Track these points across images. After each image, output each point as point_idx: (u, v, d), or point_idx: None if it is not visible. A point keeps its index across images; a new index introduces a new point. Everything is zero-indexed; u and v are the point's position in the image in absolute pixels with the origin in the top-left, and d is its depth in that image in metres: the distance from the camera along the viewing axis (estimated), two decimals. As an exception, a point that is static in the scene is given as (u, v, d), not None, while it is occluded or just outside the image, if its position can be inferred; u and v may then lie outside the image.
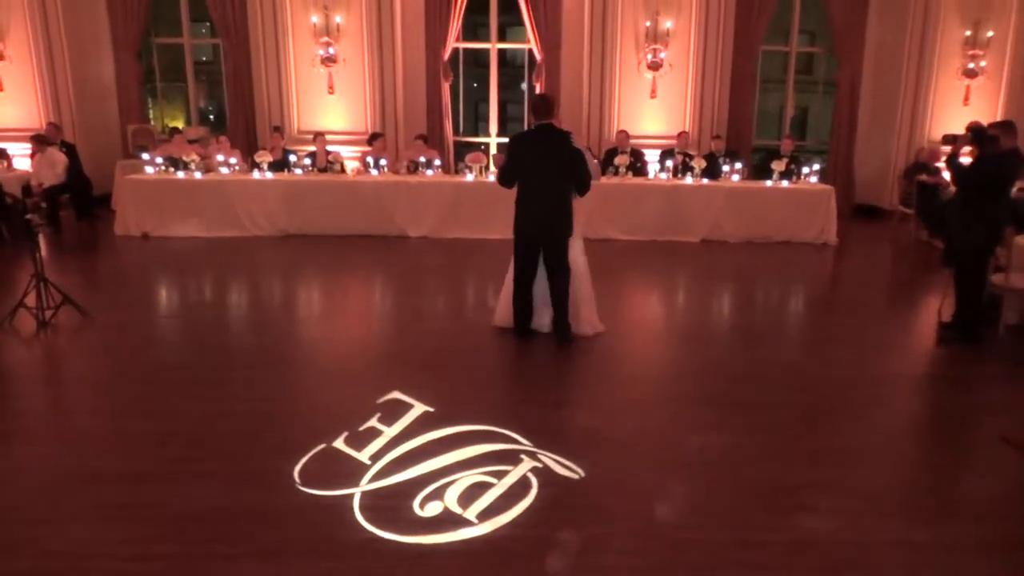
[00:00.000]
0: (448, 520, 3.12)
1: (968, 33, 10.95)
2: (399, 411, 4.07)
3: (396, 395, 3.69)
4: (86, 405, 4.48)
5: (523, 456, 3.00)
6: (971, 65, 11.02)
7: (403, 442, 3.77)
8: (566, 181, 5.29)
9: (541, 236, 5.35)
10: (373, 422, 3.91)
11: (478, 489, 3.27)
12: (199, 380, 4.76)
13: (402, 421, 3.84)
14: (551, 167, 5.24)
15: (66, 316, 5.77)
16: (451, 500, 3.18)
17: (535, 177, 5.28)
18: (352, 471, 3.52)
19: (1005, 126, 5.48)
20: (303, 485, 3.39)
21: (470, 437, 3.69)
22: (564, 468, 3.11)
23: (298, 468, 3.54)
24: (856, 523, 3.26)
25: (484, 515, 3.10)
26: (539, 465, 3.11)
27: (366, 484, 3.43)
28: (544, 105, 5.36)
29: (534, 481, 3.21)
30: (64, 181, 9.48)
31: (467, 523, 3.04)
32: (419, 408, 3.50)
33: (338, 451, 3.71)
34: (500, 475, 3.05)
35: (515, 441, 2.84)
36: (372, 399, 4.23)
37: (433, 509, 3.19)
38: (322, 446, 3.75)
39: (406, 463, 3.59)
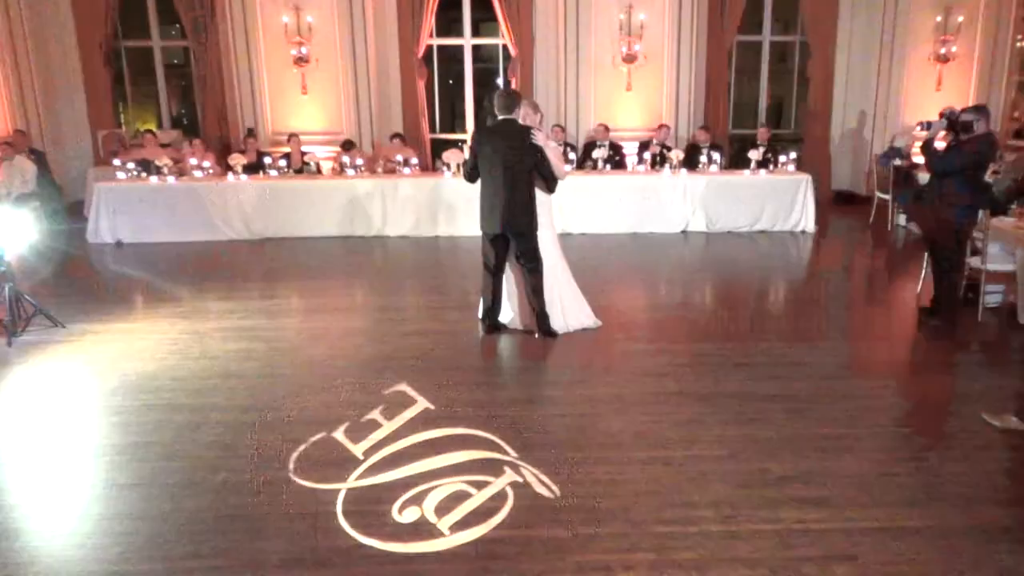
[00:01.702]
0: (422, 529, 3.08)
1: (939, 19, 11.03)
2: (403, 405, 4.02)
3: (404, 387, 3.65)
4: (58, 417, 4.38)
5: (506, 468, 2.97)
6: (942, 50, 11.11)
7: (398, 440, 3.72)
8: (527, 175, 5.29)
9: (504, 230, 5.38)
10: (376, 414, 3.85)
11: (456, 499, 3.24)
12: (175, 389, 4.68)
13: (403, 416, 3.78)
14: (512, 161, 5.25)
15: (37, 326, 5.64)
16: (429, 508, 3.14)
17: (496, 171, 5.31)
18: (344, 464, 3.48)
19: (979, 110, 5.50)
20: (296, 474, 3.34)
21: (459, 441, 3.65)
22: (543, 486, 3.08)
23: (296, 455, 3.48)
24: (844, 511, 3.26)
25: (456, 527, 3.05)
26: (519, 480, 3.09)
27: (353, 481, 3.39)
28: (506, 100, 5.37)
29: (510, 496, 3.18)
30: (34, 189, 9.29)
31: (439, 534, 3.00)
32: (422, 404, 3.47)
33: (336, 442, 3.66)
34: (480, 485, 3.02)
35: (501, 449, 2.81)
36: (366, 400, 4.17)
37: (411, 515, 3.15)
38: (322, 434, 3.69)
39: (395, 463, 3.54)
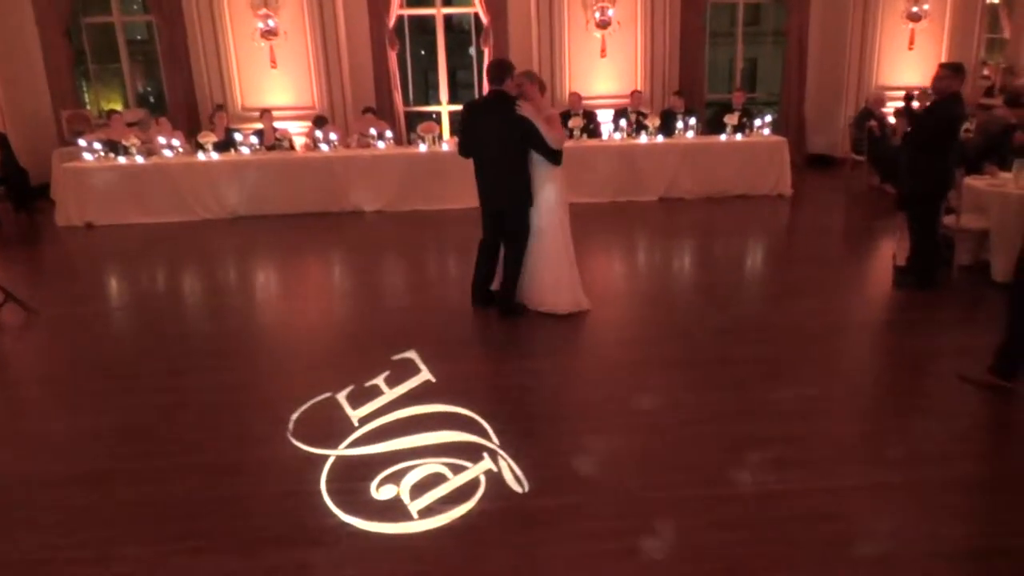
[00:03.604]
0: (394, 510, 3.04)
1: (910, -23, 11.02)
2: (408, 373, 3.95)
3: (411, 355, 3.62)
4: (35, 405, 4.33)
5: (484, 454, 2.97)
6: (914, 8, 11.11)
7: (393, 411, 3.67)
8: (519, 149, 5.09)
9: (497, 204, 5.25)
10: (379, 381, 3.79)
11: (431, 481, 3.18)
12: (155, 371, 4.62)
13: (406, 384, 3.72)
14: (502, 135, 5.07)
15: (9, 313, 5.54)
16: (405, 487, 3.12)
17: (486, 145, 5.16)
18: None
19: (956, 68, 5.51)
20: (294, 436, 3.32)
21: (447, 420, 3.62)
22: (514, 479, 3.08)
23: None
24: (825, 471, 3.31)
25: (424, 513, 3.03)
26: (494, 469, 3.09)
27: (343, 449, 3.38)
28: (496, 70, 5.17)
29: (482, 485, 3.13)
30: (-2, 173, 9.07)
31: (408, 517, 2.99)
32: (425, 375, 3.45)
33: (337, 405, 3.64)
34: (457, 470, 3.02)
35: (484, 433, 2.81)
36: (343, 382, 4.13)
37: (387, 493, 3.13)
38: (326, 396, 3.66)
39: (384, 435, 3.51)
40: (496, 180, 5.19)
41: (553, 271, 5.30)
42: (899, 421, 3.84)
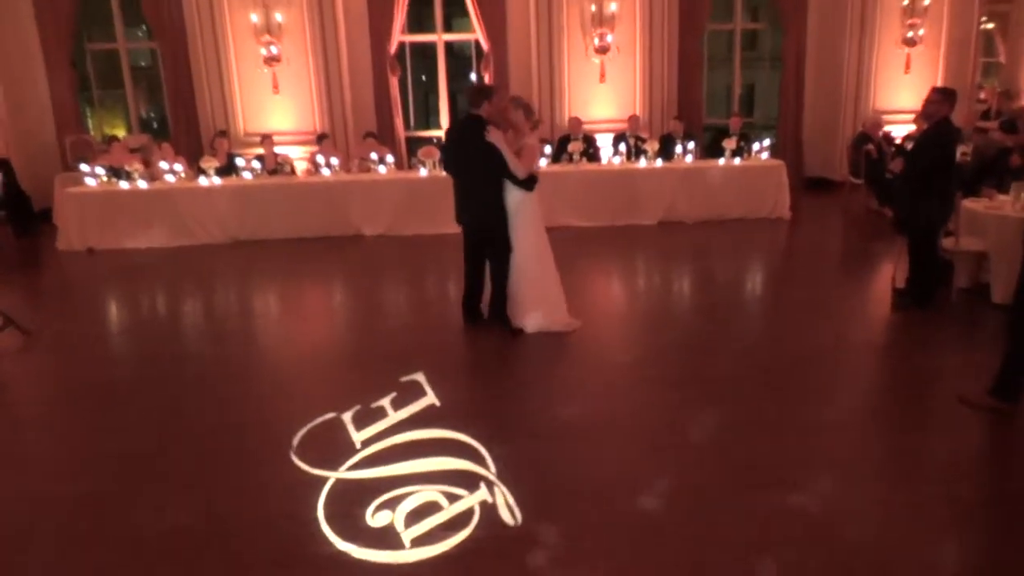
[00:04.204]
0: (388, 537, 2.98)
1: (906, 2, 11.13)
2: (413, 396, 3.93)
3: (419, 377, 3.61)
4: (36, 428, 4.30)
5: (481, 483, 2.96)
6: (910, 34, 11.22)
7: (396, 434, 3.64)
8: (490, 173, 5.18)
9: (468, 222, 5.39)
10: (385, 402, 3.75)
11: (427, 510, 3.08)
12: (154, 394, 4.62)
13: (411, 407, 3.68)
14: (475, 158, 5.19)
15: (9, 337, 5.54)
16: (400, 514, 3.08)
17: (461, 167, 5.35)
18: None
19: (947, 93, 5.56)
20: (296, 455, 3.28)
21: (445, 446, 3.59)
22: (508, 513, 3.06)
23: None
24: (829, 492, 3.29)
25: (417, 542, 3.00)
26: (489, 500, 3.07)
27: (344, 471, 3.34)
28: (472, 94, 5.36)
29: (476, 515, 3.09)
30: (1, 198, 9.12)
31: (400, 546, 2.96)
32: (431, 398, 3.44)
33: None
34: (453, 499, 3.00)
35: (481, 460, 2.79)
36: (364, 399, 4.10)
37: (382, 520, 3.09)
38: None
39: (384, 459, 3.48)
40: (468, 200, 5.35)
41: (534, 290, 5.38)
42: (901, 442, 3.82)
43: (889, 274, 6.47)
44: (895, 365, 5.01)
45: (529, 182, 5.22)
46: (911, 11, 11.14)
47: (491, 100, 5.28)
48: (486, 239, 5.37)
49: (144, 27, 12.44)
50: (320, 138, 10.31)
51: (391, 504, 3.13)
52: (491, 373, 5.03)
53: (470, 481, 3.05)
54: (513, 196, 5.27)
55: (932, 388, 4.52)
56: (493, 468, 2.84)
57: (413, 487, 3.18)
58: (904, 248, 5.89)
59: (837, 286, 6.93)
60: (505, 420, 4.10)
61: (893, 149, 9.06)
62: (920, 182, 5.56)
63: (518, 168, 5.15)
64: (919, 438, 3.87)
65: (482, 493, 3.04)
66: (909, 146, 5.92)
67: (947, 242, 6.00)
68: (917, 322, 5.59)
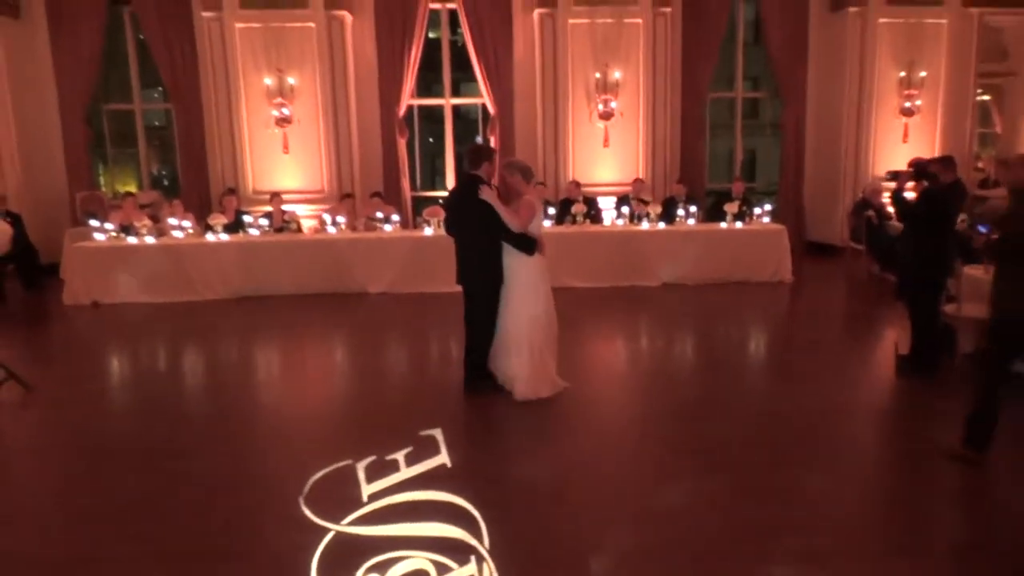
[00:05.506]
0: None
1: (903, 74, 11.42)
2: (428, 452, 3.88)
3: (436, 433, 3.57)
4: (29, 486, 4.26)
5: (472, 557, 2.92)
6: (907, 104, 11.47)
7: (402, 492, 3.58)
8: (483, 231, 5.18)
9: (464, 283, 5.39)
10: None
11: None
12: (153, 451, 4.57)
13: (423, 465, 3.63)
14: (471, 217, 5.22)
15: (8, 391, 5.52)
16: None
17: (457, 228, 5.42)
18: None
19: (945, 161, 5.67)
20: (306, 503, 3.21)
21: (444, 510, 3.55)
22: None
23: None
24: (830, 562, 3.22)
25: None
26: None
27: (345, 525, 3.28)
28: (471, 155, 5.42)
29: None
30: (9, 251, 9.23)
31: None
32: (443, 457, 3.40)
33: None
34: (443, 570, 2.95)
35: (477, 531, 2.75)
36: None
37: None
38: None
39: (386, 517, 3.43)
40: (466, 260, 5.36)
41: (518, 358, 5.23)
42: (905, 511, 3.75)
43: (892, 339, 6.46)
44: (899, 432, 4.95)
45: (528, 244, 5.17)
46: (908, 82, 11.41)
47: (491, 160, 5.35)
48: (477, 296, 5.33)
49: (160, 88, 12.76)
50: (344, 197, 10.50)
51: (381, 568, 3.06)
52: (492, 434, 4.99)
53: (462, 553, 3.00)
54: (513, 260, 5.22)
55: (937, 456, 4.46)
56: (487, 540, 2.78)
57: (406, 552, 3.12)
58: (906, 314, 5.90)
59: (840, 351, 6.90)
60: (504, 485, 4.05)
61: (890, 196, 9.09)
62: (918, 239, 5.57)
63: (513, 221, 5.09)
64: (927, 508, 3.81)
65: (470, 568, 2.98)
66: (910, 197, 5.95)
67: (950, 308, 6.01)
68: (921, 388, 5.55)
